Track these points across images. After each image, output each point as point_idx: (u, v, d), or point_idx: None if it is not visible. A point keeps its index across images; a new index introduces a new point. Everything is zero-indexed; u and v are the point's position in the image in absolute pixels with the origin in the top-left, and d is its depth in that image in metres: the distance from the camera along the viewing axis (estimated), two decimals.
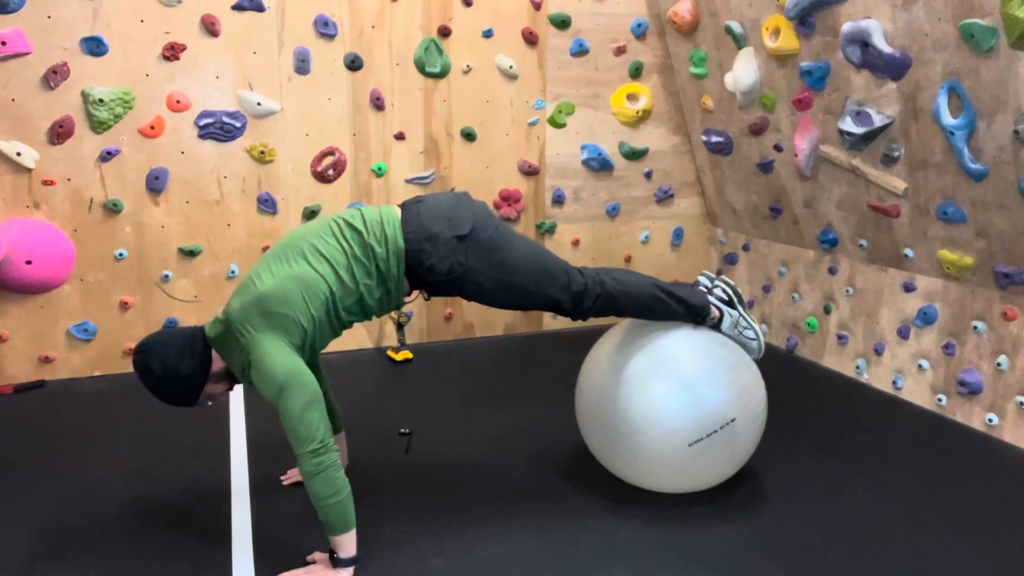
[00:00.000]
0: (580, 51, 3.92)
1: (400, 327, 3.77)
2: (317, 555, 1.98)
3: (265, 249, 3.58)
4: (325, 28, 3.45)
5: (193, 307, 3.51)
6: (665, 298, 2.23)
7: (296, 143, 3.54)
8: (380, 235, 2.00)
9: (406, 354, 3.70)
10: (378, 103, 3.63)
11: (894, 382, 3.22)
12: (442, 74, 3.70)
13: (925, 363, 3.07)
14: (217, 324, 2.00)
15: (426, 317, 3.95)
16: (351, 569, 1.91)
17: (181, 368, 1.93)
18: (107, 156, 3.24)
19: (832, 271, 3.55)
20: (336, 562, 1.90)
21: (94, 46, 3.12)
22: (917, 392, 3.12)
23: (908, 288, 3.15)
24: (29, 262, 3.10)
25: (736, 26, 3.44)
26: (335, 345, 2.75)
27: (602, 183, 4.16)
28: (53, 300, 3.28)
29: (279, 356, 1.86)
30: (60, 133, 3.14)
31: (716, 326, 2.34)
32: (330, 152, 3.60)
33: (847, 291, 3.47)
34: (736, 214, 4.13)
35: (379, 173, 3.72)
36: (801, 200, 3.58)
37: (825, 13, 2.94)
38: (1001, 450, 2.70)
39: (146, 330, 3.40)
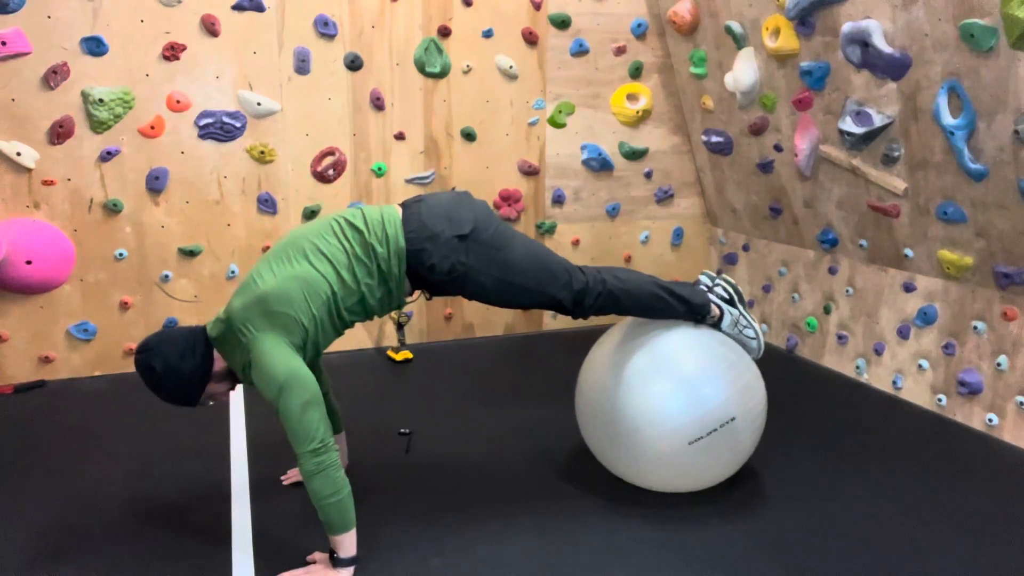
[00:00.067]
0: (580, 51, 3.92)
1: (400, 327, 3.77)
2: (317, 555, 1.98)
3: (265, 249, 3.58)
4: (325, 28, 3.45)
5: (193, 307, 3.51)
6: (666, 296, 2.23)
7: (296, 143, 3.54)
8: (381, 235, 2.00)
9: (406, 354, 3.70)
10: (378, 103, 3.62)
11: (894, 382, 3.22)
12: (442, 74, 3.70)
13: (925, 363, 3.07)
14: (218, 323, 2.00)
15: (426, 317, 3.95)
16: (351, 569, 1.91)
17: (183, 368, 1.93)
18: (107, 156, 3.24)
19: (832, 271, 3.55)
20: (336, 562, 1.90)
21: (94, 46, 3.12)
22: (917, 392, 3.12)
23: (908, 288, 3.15)
24: (29, 262, 3.10)
25: (736, 26, 3.44)
26: (335, 345, 2.75)
27: (602, 183, 4.16)
28: (53, 300, 3.28)
29: (279, 356, 1.86)
30: (60, 133, 3.14)
31: (716, 324, 2.35)
32: (330, 152, 3.60)
33: (847, 291, 3.47)
34: (736, 214, 4.13)
35: (379, 173, 3.72)
36: (801, 200, 3.58)
37: (825, 13, 2.94)
38: (1001, 450, 2.70)
39: (146, 330, 3.41)
